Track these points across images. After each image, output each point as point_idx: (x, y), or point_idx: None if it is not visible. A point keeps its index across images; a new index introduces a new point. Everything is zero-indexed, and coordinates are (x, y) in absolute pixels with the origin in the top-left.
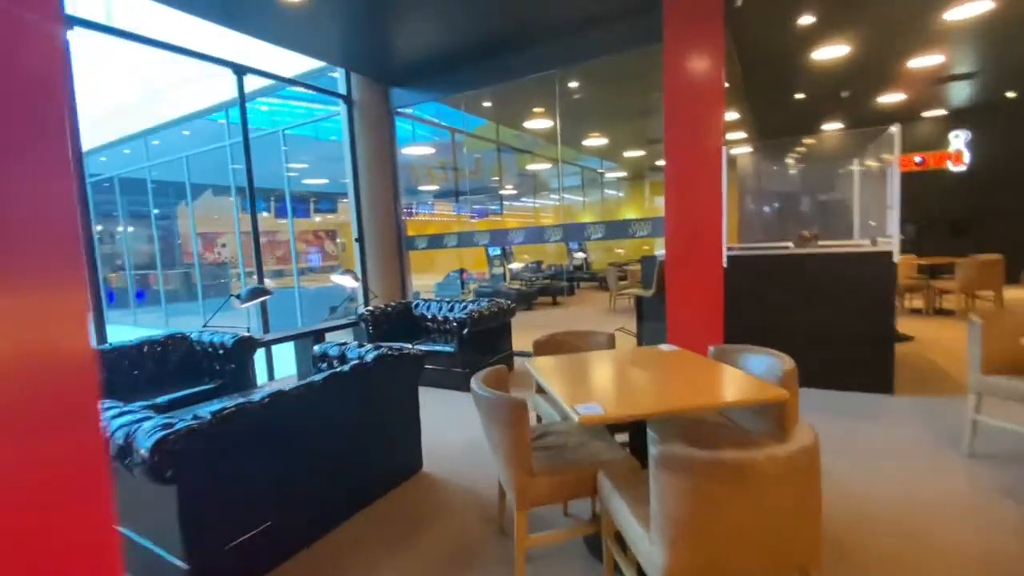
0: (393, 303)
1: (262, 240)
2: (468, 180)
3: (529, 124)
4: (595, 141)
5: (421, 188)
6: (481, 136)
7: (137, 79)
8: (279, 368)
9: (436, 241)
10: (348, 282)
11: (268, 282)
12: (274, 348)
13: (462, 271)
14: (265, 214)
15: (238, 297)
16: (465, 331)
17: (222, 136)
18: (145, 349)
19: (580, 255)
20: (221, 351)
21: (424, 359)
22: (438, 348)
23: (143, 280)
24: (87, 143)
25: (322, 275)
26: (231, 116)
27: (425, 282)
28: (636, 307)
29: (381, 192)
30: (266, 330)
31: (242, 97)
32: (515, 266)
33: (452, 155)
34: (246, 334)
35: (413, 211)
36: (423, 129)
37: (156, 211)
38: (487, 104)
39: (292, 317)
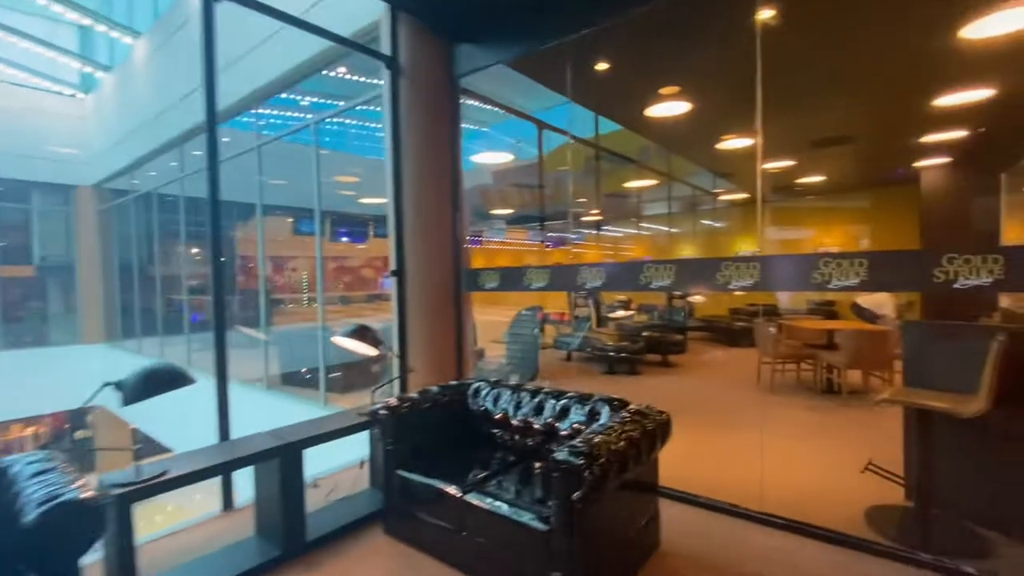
0: (438, 389)
1: (330, 265)
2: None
3: (656, 110)
4: (739, 142)
5: (493, 212)
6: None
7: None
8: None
9: (513, 279)
10: (359, 347)
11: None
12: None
13: (536, 309)
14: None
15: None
16: (580, 493)
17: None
18: None
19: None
20: None
21: None
22: (512, 515)
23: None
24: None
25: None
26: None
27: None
28: (918, 431)
29: (435, 203)
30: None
31: (209, 25)
32: (620, 312)
33: (539, 162)
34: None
35: (481, 239)
36: (497, 132)
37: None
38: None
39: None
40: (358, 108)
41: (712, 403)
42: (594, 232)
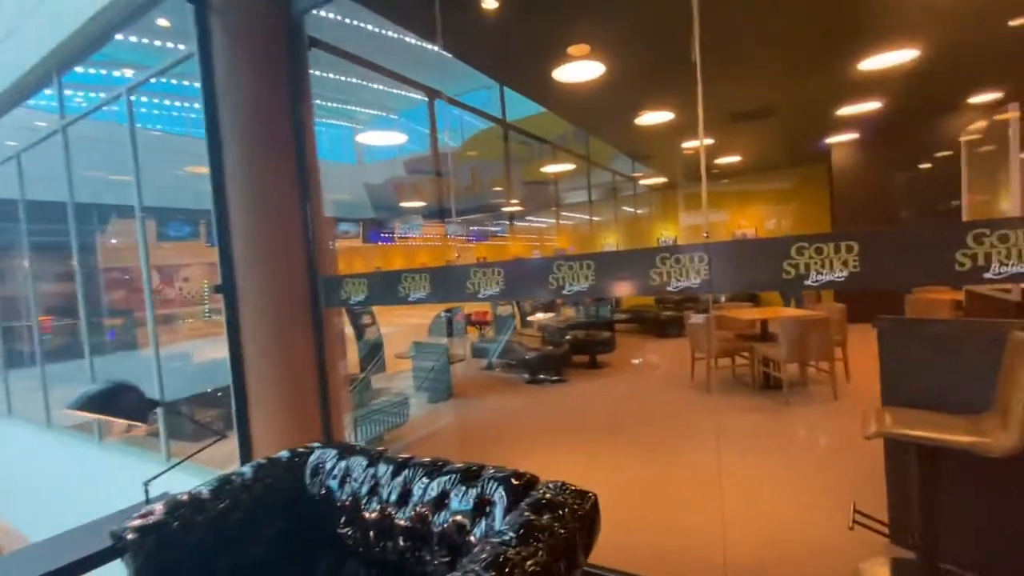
0: (252, 468)
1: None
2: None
3: (565, 73)
4: (656, 116)
5: (406, 205)
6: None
7: None
8: None
9: (384, 289)
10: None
11: None
12: None
13: (456, 311)
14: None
15: None
16: None
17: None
18: None
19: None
20: None
21: None
22: None
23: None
24: None
25: None
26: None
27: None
28: (918, 469)
29: (275, 193)
30: None
31: None
32: (540, 314)
33: (431, 139)
34: None
35: (394, 236)
36: (408, 119)
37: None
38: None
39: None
40: None
41: (648, 411)
42: (515, 223)
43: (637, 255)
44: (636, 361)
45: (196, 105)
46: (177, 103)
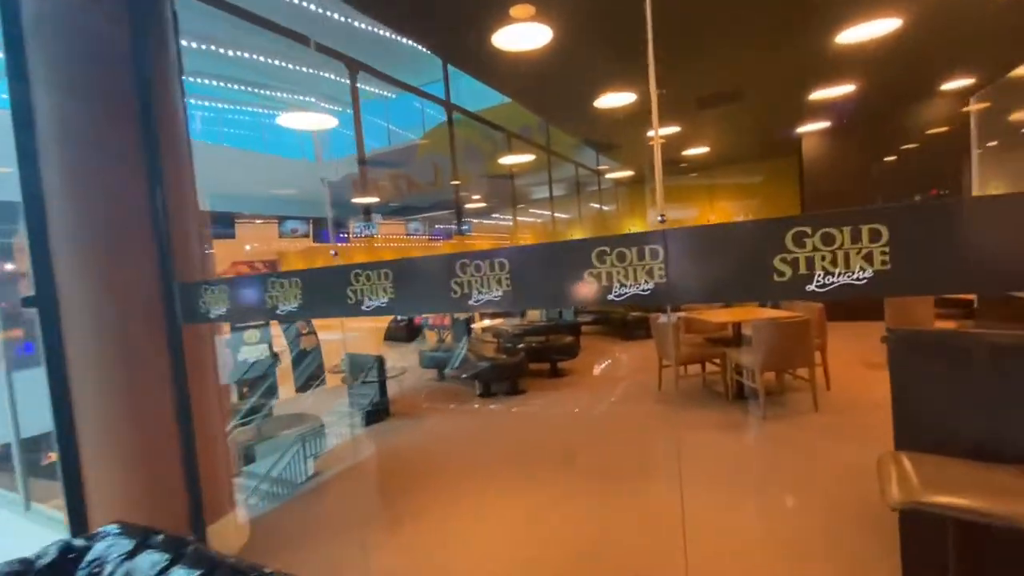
0: (20, 565)
1: None
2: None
3: (505, 38)
4: (617, 98)
5: (358, 201)
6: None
7: None
8: None
9: (249, 298)
10: None
11: None
12: None
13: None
14: None
15: None
16: None
17: None
18: None
19: None
20: None
21: None
22: None
23: None
24: None
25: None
26: None
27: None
28: (955, 550)
29: (111, 179)
30: None
31: None
32: (500, 320)
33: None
34: None
35: (347, 235)
36: (368, 114)
37: None
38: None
39: None
40: None
41: (608, 431)
42: (482, 221)
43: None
44: (597, 369)
45: None
46: None
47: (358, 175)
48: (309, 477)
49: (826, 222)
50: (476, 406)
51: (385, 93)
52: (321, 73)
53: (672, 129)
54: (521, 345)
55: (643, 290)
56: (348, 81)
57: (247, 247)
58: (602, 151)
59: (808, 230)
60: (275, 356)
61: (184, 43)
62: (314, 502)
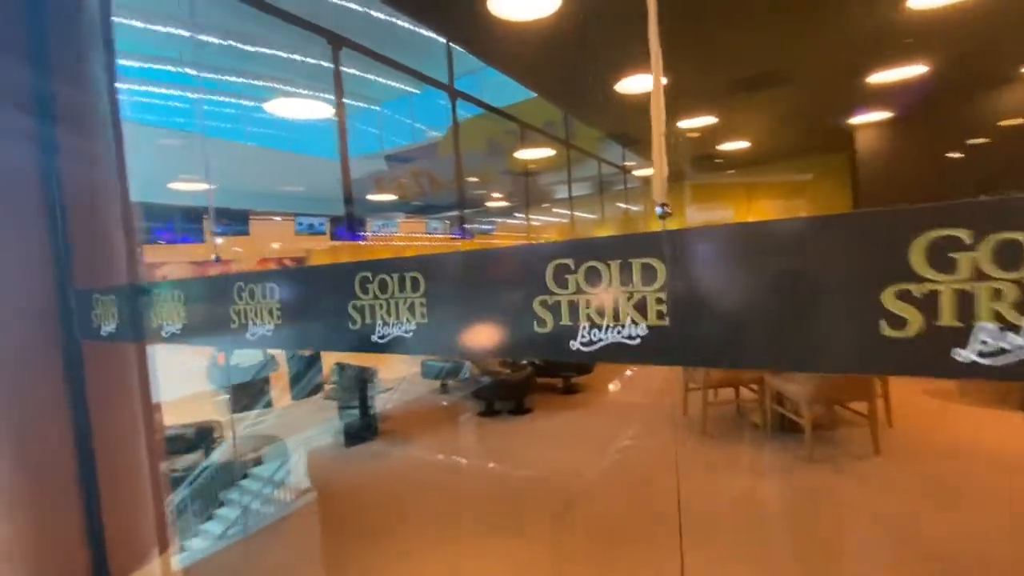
0: None
1: (212, 271)
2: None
3: (500, 3)
4: (639, 81)
5: (378, 199)
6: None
7: None
8: None
9: (138, 311)
10: None
11: None
12: None
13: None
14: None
15: None
16: None
17: None
18: None
19: None
20: None
21: None
22: None
23: None
24: None
25: None
26: None
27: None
28: None
29: None
30: None
31: None
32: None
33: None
34: None
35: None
36: (391, 110)
37: None
38: None
39: None
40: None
41: (621, 469)
42: (506, 220)
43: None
44: (614, 388)
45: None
46: None
47: (379, 173)
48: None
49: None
50: (474, 427)
51: (410, 89)
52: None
53: (705, 120)
54: (528, 362)
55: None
56: (377, 78)
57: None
58: (628, 146)
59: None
60: (270, 360)
61: (208, 38)
62: (269, 543)
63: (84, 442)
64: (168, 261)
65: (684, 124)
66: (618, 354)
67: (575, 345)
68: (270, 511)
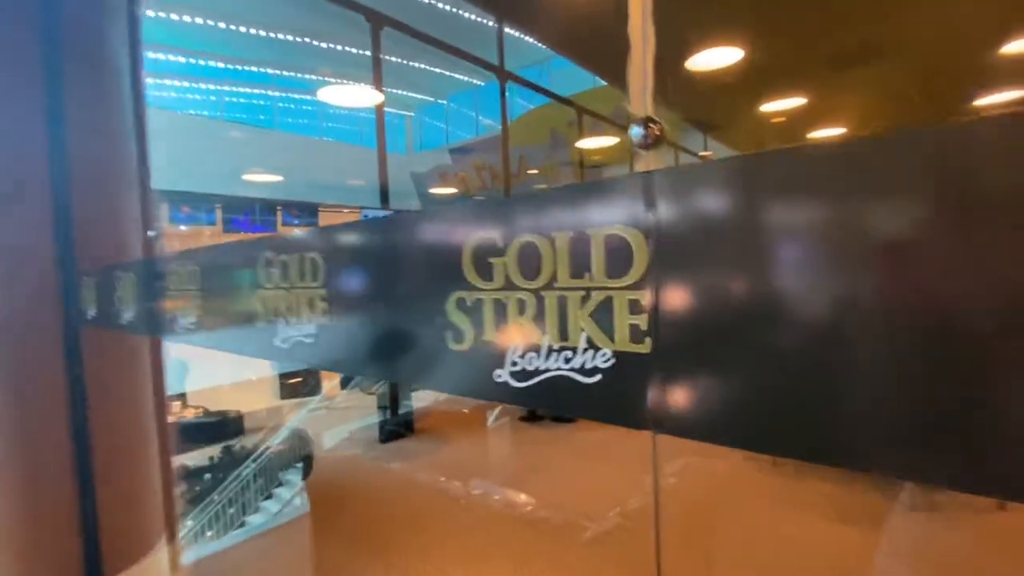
0: None
1: None
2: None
3: None
4: (716, 56)
5: (435, 191)
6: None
7: None
8: None
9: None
10: None
11: None
12: None
13: None
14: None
15: None
16: None
17: None
18: None
19: None
20: None
21: None
22: None
23: None
24: None
25: None
26: None
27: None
28: None
29: None
30: None
31: None
32: None
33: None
34: None
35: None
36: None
37: None
38: None
39: None
40: None
41: (677, 502)
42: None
43: None
44: None
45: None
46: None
47: (442, 166)
48: (286, 505)
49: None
50: (512, 434)
51: (475, 81)
52: (408, 63)
53: (792, 102)
54: None
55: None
56: (443, 71)
57: None
58: (709, 132)
59: None
60: None
61: (285, 37)
62: (284, 540)
63: (82, 434)
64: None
65: (768, 107)
66: (566, 399)
67: (501, 376)
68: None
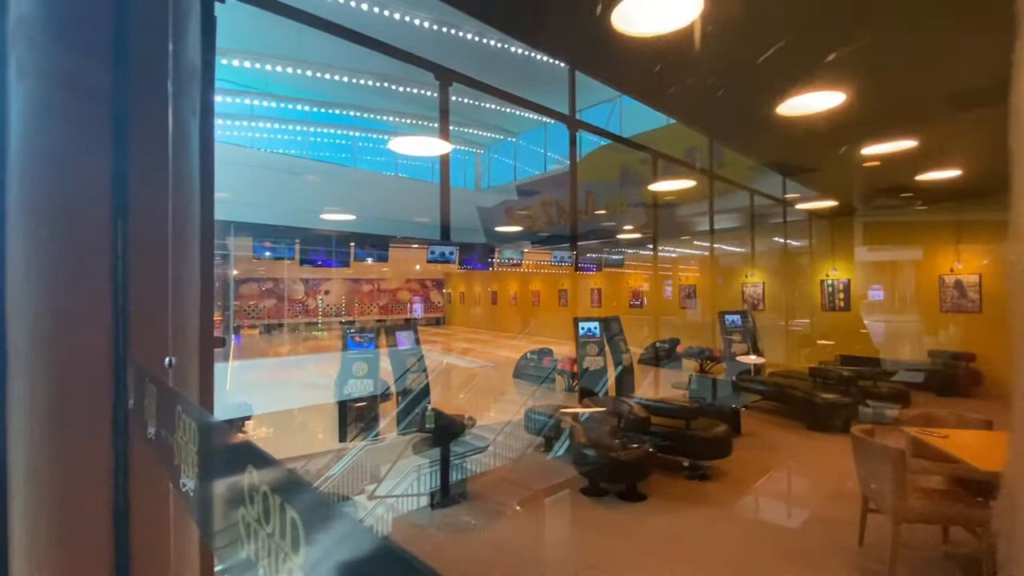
0: None
1: (365, 288)
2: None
3: (626, 18)
4: (813, 100)
5: (505, 230)
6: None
7: None
8: None
9: None
10: None
11: None
12: None
13: (546, 352)
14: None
15: None
16: None
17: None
18: None
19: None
20: None
21: None
22: None
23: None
24: None
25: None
26: None
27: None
28: None
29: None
30: None
31: None
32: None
33: None
34: None
35: (491, 262)
36: (527, 141)
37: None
38: None
39: None
40: None
41: None
42: (635, 252)
43: None
44: (761, 485)
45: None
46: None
47: (510, 202)
48: None
49: None
50: (572, 511)
51: (545, 119)
52: (479, 103)
53: (900, 144)
54: (647, 435)
55: None
56: (514, 111)
57: (416, 267)
58: (791, 175)
59: None
60: (385, 391)
61: (366, 82)
62: None
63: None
64: (330, 277)
65: (872, 150)
66: None
67: None
68: None
